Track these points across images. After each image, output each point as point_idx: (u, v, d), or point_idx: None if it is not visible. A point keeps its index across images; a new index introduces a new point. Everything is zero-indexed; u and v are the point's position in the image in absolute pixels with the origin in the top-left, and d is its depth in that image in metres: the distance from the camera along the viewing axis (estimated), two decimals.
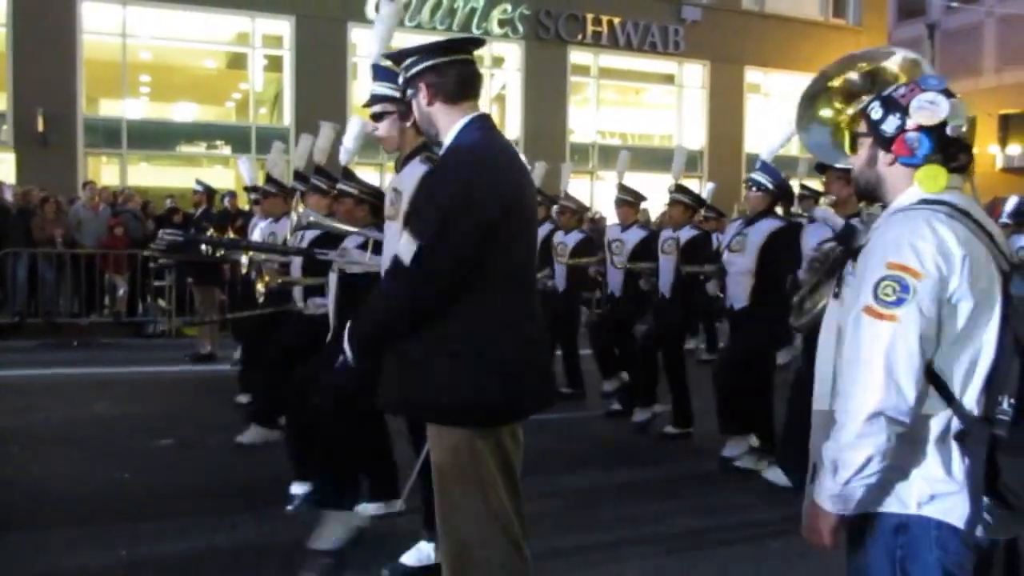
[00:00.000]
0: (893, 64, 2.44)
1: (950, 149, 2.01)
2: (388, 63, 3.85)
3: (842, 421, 1.91)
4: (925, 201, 1.98)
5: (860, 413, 1.86)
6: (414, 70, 2.72)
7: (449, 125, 2.72)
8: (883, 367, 1.85)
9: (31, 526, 4.57)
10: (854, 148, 2.15)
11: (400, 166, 3.58)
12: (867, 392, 1.86)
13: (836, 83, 2.49)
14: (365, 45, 17.64)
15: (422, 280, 2.58)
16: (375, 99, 3.61)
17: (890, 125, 2.03)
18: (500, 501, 2.64)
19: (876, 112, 2.07)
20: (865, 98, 2.11)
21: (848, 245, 2.13)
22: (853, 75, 2.45)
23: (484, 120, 2.74)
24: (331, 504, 4.31)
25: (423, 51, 2.74)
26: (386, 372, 2.77)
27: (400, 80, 2.85)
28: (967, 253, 1.89)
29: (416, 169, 3.42)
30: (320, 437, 4.42)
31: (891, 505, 1.96)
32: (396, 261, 2.68)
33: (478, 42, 2.97)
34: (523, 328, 2.68)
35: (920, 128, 2.00)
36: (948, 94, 2.01)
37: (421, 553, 3.95)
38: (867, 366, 1.87)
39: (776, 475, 5.40)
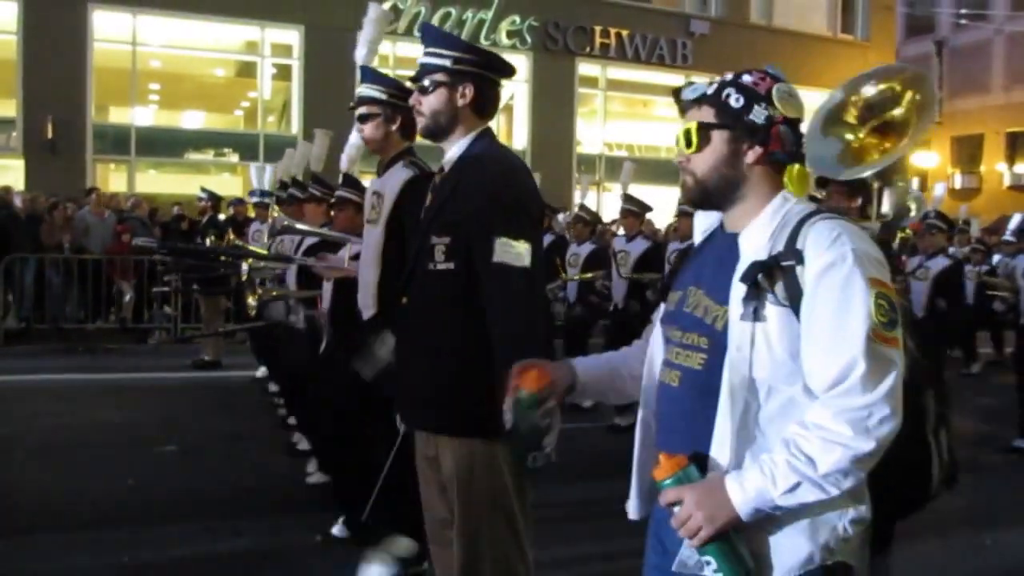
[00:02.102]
0: (903, 81, 2.37)
1: (801, 149, 1.81)
2: (375, 66, 3.85)
3: (830, 443, 1.59)
4: (820, 210, 1.73)
5: (861, 444, 1.58)
6: (471, 68, 2.67)
7: (466, 132, 2.70)
8: (893, 399, 1.59)
9: (34, 531, 4.58)
10: (700, 146, 1.80)
11: (382, 170, 3.59)
12: (876, 424, 1.59)
13: (852, 99, 2.40)
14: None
15: (541, 277, 2.64)
16: (362, 101, 3.62)
17: (759, 115, 1.76)
18: (520, 507, 2.65)
19: (736, 100, 1.77)
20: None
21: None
22: (870, 91, 2.33)
23: (491, 132, 2.77)
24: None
25: (489, 60, 2.73)
26: (404, 385, 2.78)
27: (430, 58, 2.67)
28: None
29: (399, 173, 3.44)
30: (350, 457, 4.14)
31: (822, 555, 1.67)
32: (507, 267, 2.50)
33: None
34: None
35: (786, 120, 1.78)
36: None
37: None
38: (878, 395, 1.59)
39: None
